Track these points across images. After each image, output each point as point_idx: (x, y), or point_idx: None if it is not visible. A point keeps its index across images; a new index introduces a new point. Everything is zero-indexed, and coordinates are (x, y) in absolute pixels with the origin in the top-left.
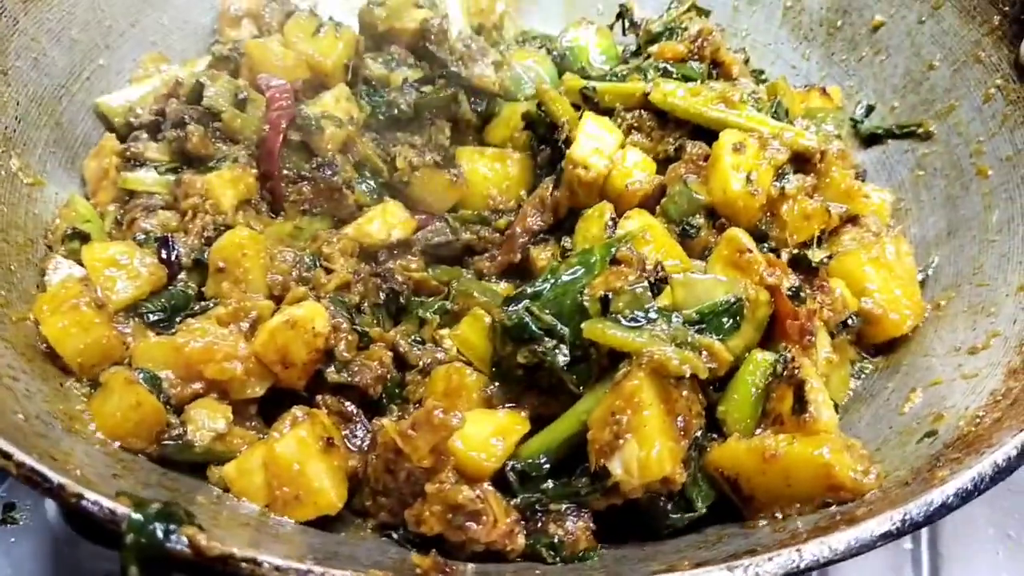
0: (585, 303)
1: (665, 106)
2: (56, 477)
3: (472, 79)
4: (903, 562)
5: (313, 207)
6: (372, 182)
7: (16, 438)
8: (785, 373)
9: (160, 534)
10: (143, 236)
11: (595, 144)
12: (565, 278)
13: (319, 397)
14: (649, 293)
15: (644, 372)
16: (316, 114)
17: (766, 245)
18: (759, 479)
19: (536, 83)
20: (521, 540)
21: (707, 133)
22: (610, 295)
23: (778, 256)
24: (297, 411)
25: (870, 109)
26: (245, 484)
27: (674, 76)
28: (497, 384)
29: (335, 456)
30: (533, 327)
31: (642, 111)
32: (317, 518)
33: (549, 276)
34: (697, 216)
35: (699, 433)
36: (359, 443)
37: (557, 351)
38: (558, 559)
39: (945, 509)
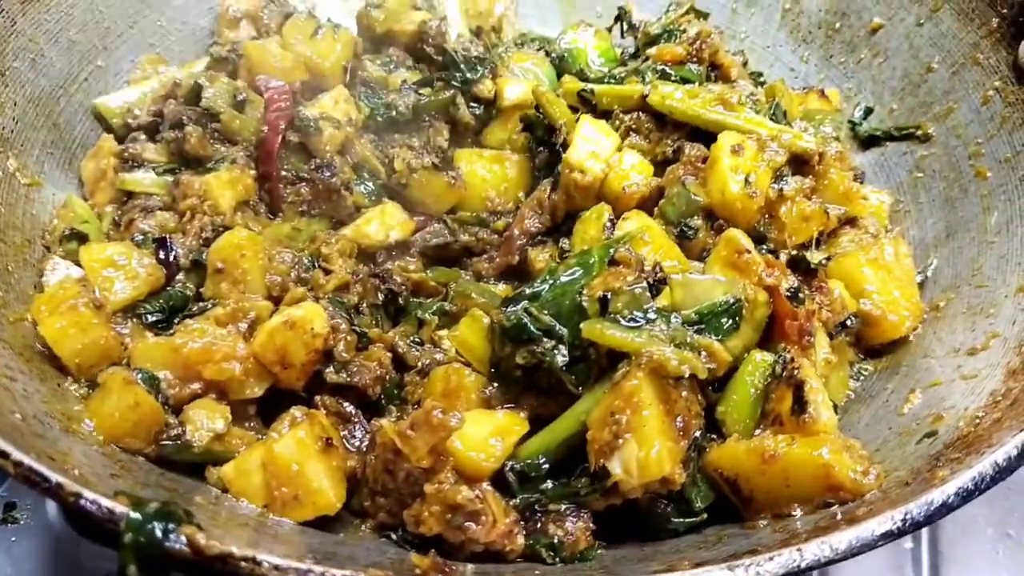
0: (584, 304)
1: (663, 108)
2: (54, 476)
3: (471, 87)
4: (903, 561)
5: (311, 208)
6: (370, 183)
7: (14, 438)
8: (784, 374)
9: (159, 533)
10: (141, 237)
11: (591, 148)
12: (564, 279)
13: (318, 398)
14: (648, 294)
15: (643, 372)
16: (315, 115)
17: (764, 247)
18: (758, 480)
19: (533, 85)
20: (520, 540)
21: (705, 135)
22: (609, 296)
23: (777, 258)
24: (296, 411)
25: (868, 111)
26: (244, 484)
27: (672, 78)
28: (496, 385)
29: (334, 456)
30: (531, 328)
31: (640, 113)
32: (316, 518)
33: (548, 277)
34: (695, 218)
35: (698, 433)
36: (358, 444)
37: (556, 351)
38: (557, 559)
39: (946, 508)
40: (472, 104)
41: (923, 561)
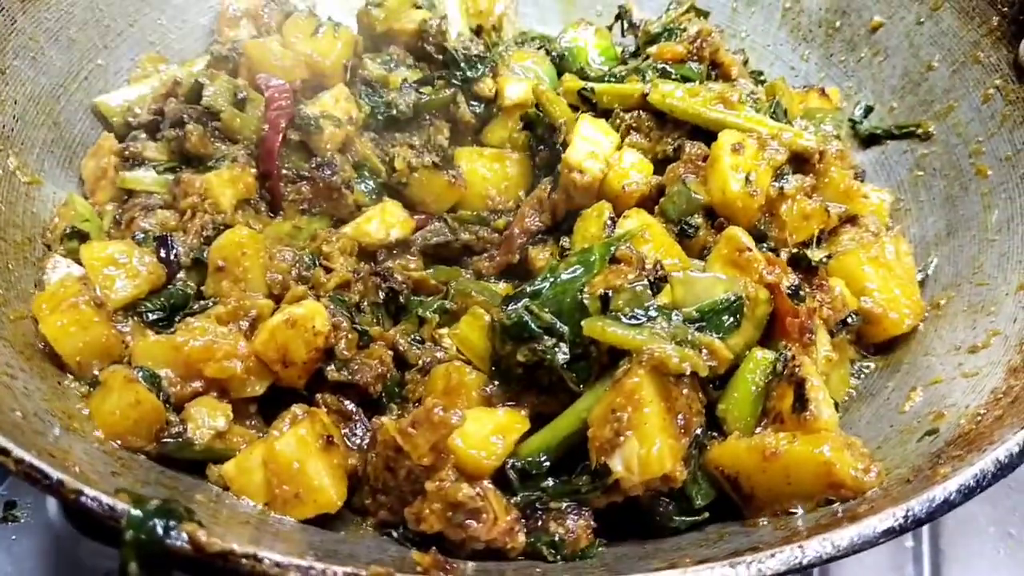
0: (585, 301)
1: (663, 107)
2: (55, 473)
3: (472, 86)
4: (904, 560)
5: (312, 207)
6: (371, 182)
7: (15, 435)
8: (785, 371)
9: (160, 530)
10: (142, 235)
11: (590, 148)
12: (564, 277)
13: (319, 396)
14: (649, 291)
15: (644, 370)
16: (315, 114)
17: (765, 245)
18: (759, 477)
19: (534, 84)
20: (521, 538)
21: (706, 133)
22: (610, 293)
23: (777, 256)
24: (297, 409)
25: (869, 110)
26: (245, 482)
27: (673, 77)
28: (497, 383)
29: (335, 454)
30: (532, 326)
31: (641, 112)
32: (317, 516)
33: (548, 275)
34: (696, 216)
35: (699, 431)
36: (359, 441)
37: (557, 349)
38: (559, 557)
39: (947, 505)
40: (472, 103)
41: (924, 559)
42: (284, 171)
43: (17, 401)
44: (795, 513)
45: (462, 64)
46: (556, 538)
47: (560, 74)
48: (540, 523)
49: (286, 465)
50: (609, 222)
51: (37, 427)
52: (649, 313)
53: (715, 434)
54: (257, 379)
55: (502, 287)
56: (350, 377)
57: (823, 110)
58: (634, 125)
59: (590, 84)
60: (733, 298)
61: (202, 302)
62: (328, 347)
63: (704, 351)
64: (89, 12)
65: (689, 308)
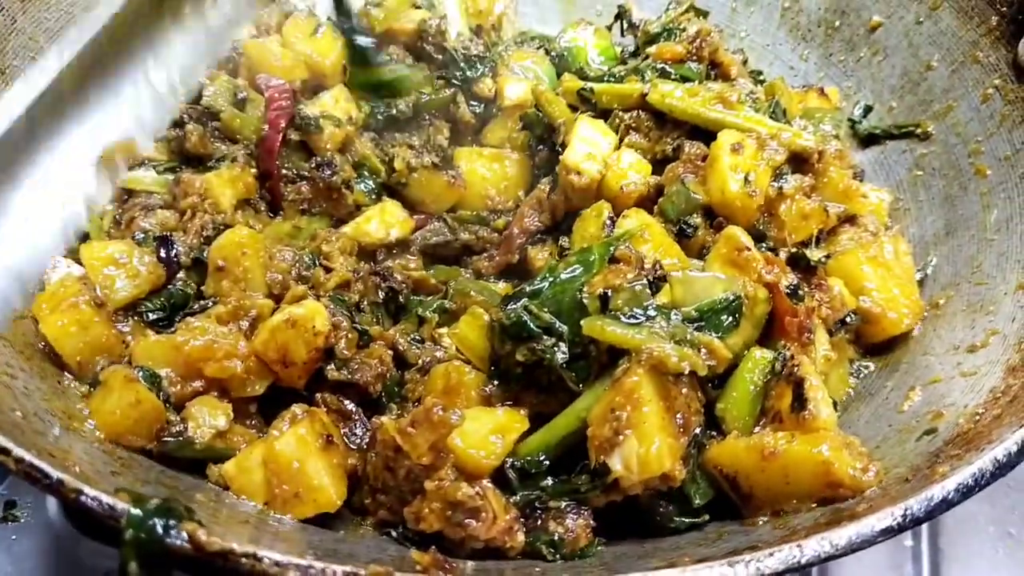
0: (584, 301)
1: (663, 107)
2: (55, 473)
3: (471, 86)
4: (903, 559)
5: (312, 207)
6: (371, 182)
7: (15, 435)
8: (784, 371)
9: (160, 530)
10: (142, 235)
11: (588, 149)
12: (564, 276)
13: (318, 395)
14: (648, 291)
15: (643, 369)
16: (315, 114)
17: (764, 245)
18: (758, 477)
19: (533, 85)
20: (520, 537)
21: (705, 133)
22: (609, 293)
23: (776, 255)
24: (296, 409)
25: (868, 109)
26: (244, 482)
27: (672, 77)
28: (496, 382)
29: (334, 454)
30: (531, 325)
31: (640, 111)
32: (316, 516)
33: (548, 275)
34: (695, 216)
35: (698, 430)
36: (358, 441)
37: (556, 349)
38: (558, 556)
39: (946, 504)
40: (472, 103)
41: (923, 558)
42: (284, 171)
43: (17, 401)
44: (794, 512)
45: (462, 64)
46: (555, 537)
47: (560, 74)
48: (539, 522)
49: (286, 464)
50: (608, 222)
51: (37, 427)
52: (648, 312)
53: (714, 433)
54: (257, 379)
55: (501, 287)
56: (350, 377)
57: (822, 110)
58: (633, 125)
59: (589, 84)
60: (732, 297)
61: (202, 302)
62: (328, 347)
63: (703, 350)
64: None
65: (688, 307)
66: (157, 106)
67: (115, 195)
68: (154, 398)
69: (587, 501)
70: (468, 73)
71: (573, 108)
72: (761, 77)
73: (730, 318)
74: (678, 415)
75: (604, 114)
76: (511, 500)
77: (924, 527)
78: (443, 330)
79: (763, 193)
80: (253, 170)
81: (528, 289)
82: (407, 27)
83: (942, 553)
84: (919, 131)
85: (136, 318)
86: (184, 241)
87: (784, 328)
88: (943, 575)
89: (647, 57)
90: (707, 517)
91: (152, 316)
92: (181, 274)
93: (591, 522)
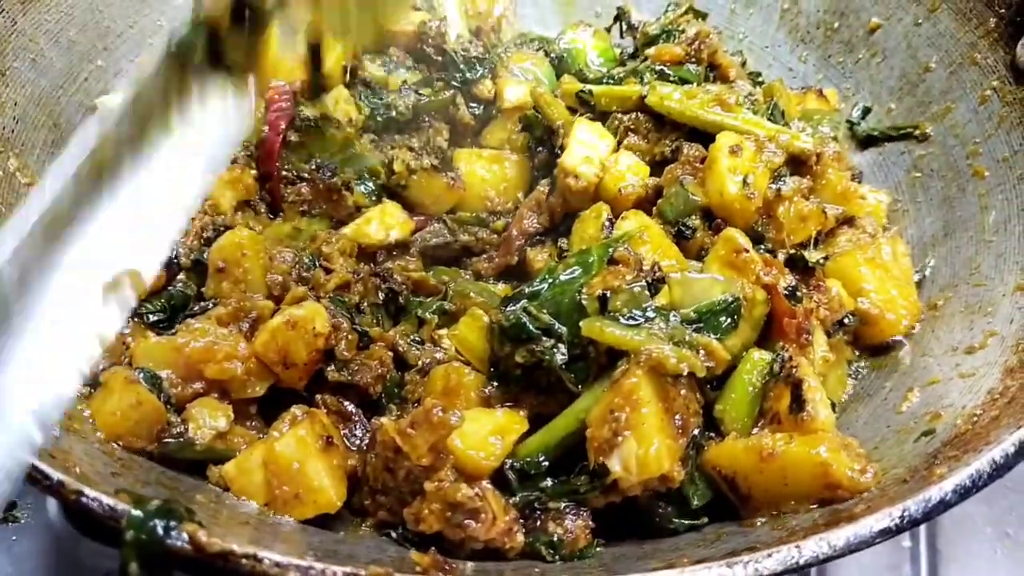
0: (583, 302)
1: (661, 109)
2: (55, 474)
3: (471, 87)
4: (902, 560)
5: (312, 208)
6: (370, 183)
7: None
8: (782, 372)
9: (160, 530)
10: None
11: (586, 152)
12: (563, 278)
13: (318, 396)
14: (647, 292)
15: (642, 370)
16: (315, 115)
17: (762, 247)
18: (756, 478)
19: (531, 87)
20: (520, 538)
21: (704, 135)
22: (608, 294)
23: (775, 257)
24: (296, 410)
25: (867, 111)
26: (245, 483)
27: (671, 79)
28: (495, 383)
29: (334, 455)
30: (530, 327)
31: (639, 113)
32: (316, 517)
33: (547, 276)
34: (693, 217)
35: (697, 431)
36: (358, 442)
37: (555, 350)
38: (557, 557)
39: (943, 506)
40: (472, 104)
41: (921, 559)
42: (284, 172)
43: None
44: (792, 513)
45: (461, 66)
46: (555, 538)
47: (559, 75)
48: (539, 523)
49: (286, 466)
50: (607, 223)
51: None
52: (647, 314)
53: (712, 434)
54: (257, 380)
55: (501, 288)
56: (350, 378)
57: (821, 111)
58: (632, 127)
59: (588, 86)
60: (730, 299)
61: (202, 303)
62: (328, 348)
63: (702, 352)
64: (89, 14)
65: (687, 309)
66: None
67: None
68: (155, 399)
69: (586, 502)
70: (467, 75)
71: (572, 110)
72: (760, 79)
73: (728, 319)
74: (677, 416)
75: (603, 116)
76: (510, 501)
77: (922, 528)
78: (443, 331)
79: (761, 195)
80: (253, 171)
81: (527, 290)
82: (407, 29)
83: (940, 554)
84: (917, 133)
85: (136, 319)
86: (184, 243)
87: (782, 329)
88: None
89: (646, 59)
90: (706, 520)
91: (152, 317)
92: (181, 275)
93: (590, 523)
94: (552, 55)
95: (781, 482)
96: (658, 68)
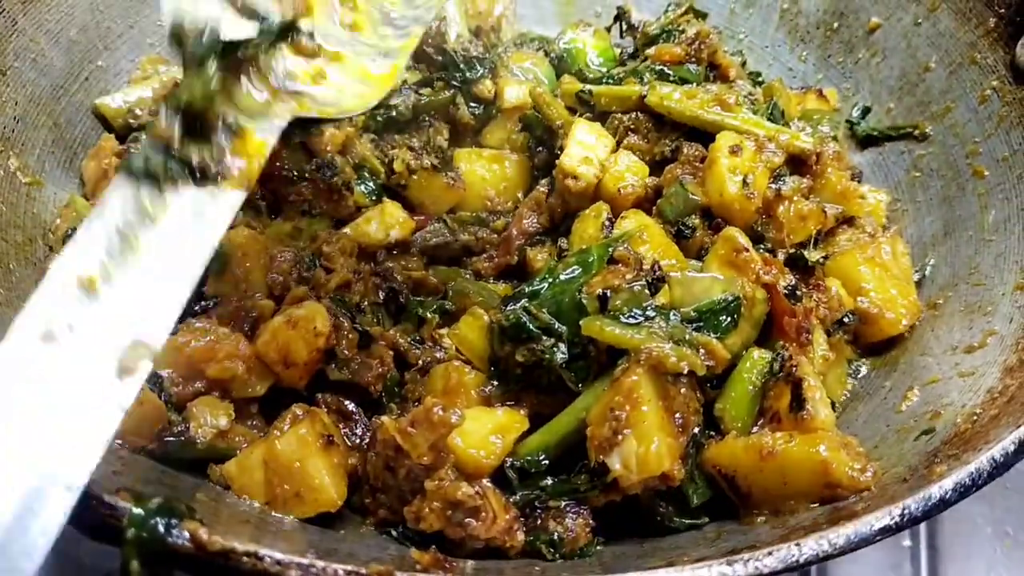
0: (583, 301)
1: (661, 109)
2: None
3: (471, 87)
4: (902, 559)
5: (313, 208)
6: (371, 183)
7: None
8: (782, 371)
9: (161, 528)
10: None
11: (585, 152)
12: (563, 277)
13: (319, 395)
14: (647, 291)
15: (643, 369)
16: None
17: (762, 246)
18: (756, 476)
19: (531, 87)
20: (520, 537)
21: (704, 135)
22: (608, 293)
23: (774, 257)
24: (297, 409)
25: (866, 111)
26: (245, 481)
27: (671, 78)
28: (495, 382)
29: (335, 454)
30: (530, 326)
31: (639, 113)
32: (317, 515)
33: (547, 275)
34: (693, 217)
35: (697, 430)
36: (358, 441)
37: (555, 349)
38: (557, 556)
39: (943, 504)
40: (472, 104)
41: (921, 559)
42: (284, 172)
43: None
44: (792, 512)
45: (461, 65)
46: (555, 537)
47: (559, 75)
48: (539, 522)
49: (287, 464)
50: (607, 223)
51: None
52: (647, 313)
53: (712, 433)
54: (258, 379)
55: (501, 288)
56: (351, 377)
57: (820, 111)
58: (632, 126)
59: (588, 86)
60: (730, 298)
61: (203, 303)
62: (329, 347)
63: (702, 351)
64: (90, 14)
65: (687, 308)
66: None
67: None
68: (156, 398)
69: (586, 501)
70: (468, 75)
71: (572, 110)
72: (760, 79)
73: (728, 318)
74: (677, 415)
75: (603, 116)
76: (511, 500)
77: (922, 527)
78: (443, 331)
79: (761, 195)
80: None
81: (527, 290)
82: None
83: (940, 553)
84: (917, 132)
85: None
86: None
87: (782, 328)
88: (941, 575)
89: (646, 59)
90: (706, 519)
91: None
92: None
93: (590, 522)
94: (552, 55)
95: (781, 481)
96: (658, 68)
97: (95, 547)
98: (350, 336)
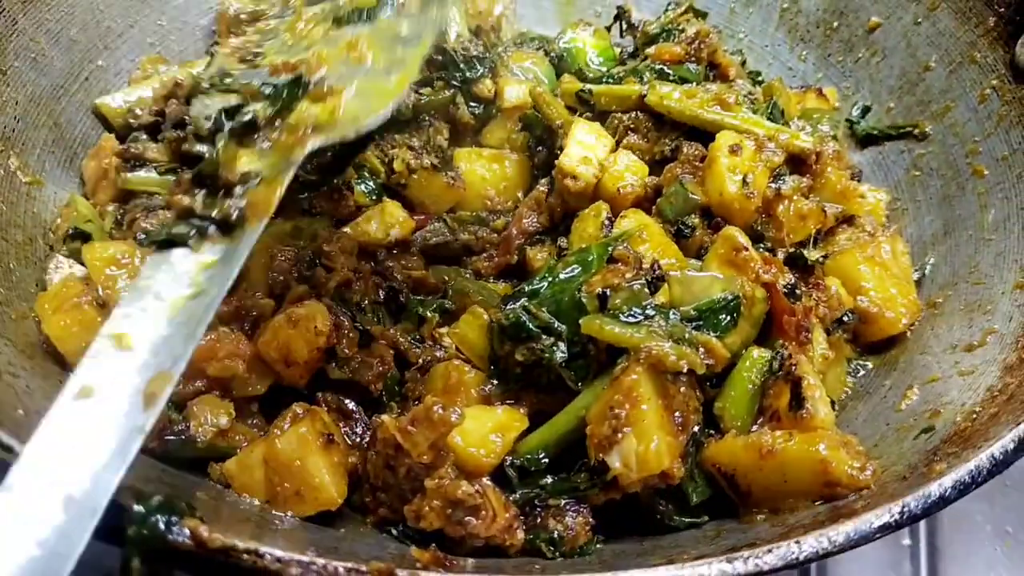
0: (583, 300)
1: (661, 108)
2: None
3: (471, 86)
4: (901, 558)
5: (313, 207)
6: (371, 183)
7: (18, 433)
8: (782, 370)
9: (162, 526)
10: (144, 236)
11: (584, 153)
12: (563, 276)
13: (319, 394)
14: (646, 290)
15: (642, 367)
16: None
17: (762, 245)
18: (756, 475)
19: (531, 86)
20: (520, 535)
21: (703, 134)
22: (608, 292)
23: (774, 256)
24: (297, 408)
25: (866, 110)
26: (246, 480)
27: (671, 78)
28: (495, 381)
29: (335, 452)
30: (530, 325)
31: (638, 112)
32: (317, 514)
33: (547, 275)
34: (692, 216)
35: (696, 429)
36: (359, 440)
37: (555, 348)
38: (557, 554)
39: (943, 502)
40: (472, 103)
41: (921, 557)
42: None
43: (19, 399)
44: (792, 510)
45: (461, 65)
46: (555, 535)
47: (559, 75)
48: (539, 520)
49: (287, 463)
50: (606, 222)
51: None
52: (647, 312)
53: (712, 432)
54: (259, 378)
55: (501, 287)
56: (351, 376)
57: (820, 110)
58: (632, 126)
59: (588, 86)
60: (730, 297)
61: None
62: (329, 346)
63: (701, 349)
64: (90, 13)
65: (687, 307)
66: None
67: (116, 196)
68: None
69: (586, 499)
70: (468, 74)
71: (572, 109)
72: (760, 78)
73: (728, 317)
74: (676, 413)
75: (603, 115)
76: (511, 498)
77: (921, 525)
78: (443, 330)
79: (761, 194)
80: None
81: (527, 289)
82: None
83: (939, 551)
84: (917, 131)
85: None
86: None
87: (782, 327)
88: (940, 574)
89: (646, 58)
90: (706, 518)
91: None
92: None
93: (590, 520)
94: (552, 54)
95: (780, 479)
96: (658, 67)
97: (95, 545)
98: (350, 335)
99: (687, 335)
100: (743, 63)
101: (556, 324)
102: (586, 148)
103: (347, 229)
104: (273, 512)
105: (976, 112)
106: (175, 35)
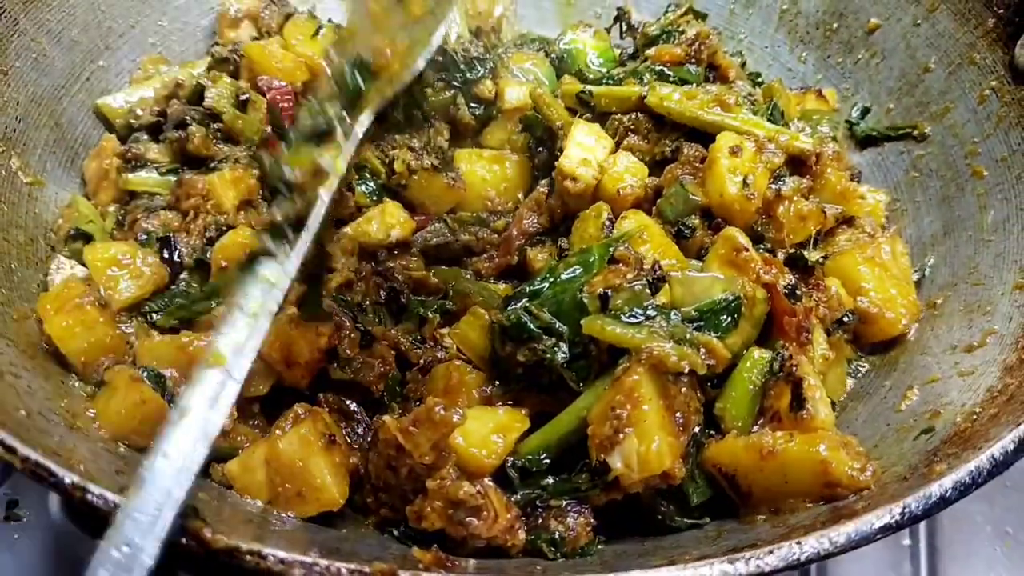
0: (584, 301)
1: (661, 110)
2: (61, 471)
3: (471, 87)
4: (901, 558)
5: None
6: (371, 183)
7: (19, 433)
8: (782, 370)
9: None
10: (145, 236)
11: (583, 154)
12: (564, 277)
13: (321, 395)
14: (648, 291)
15: (643, 368)
16: None
17: (762, 246)
18: (756, 476)
19: (531, 88)
20: (522, 536)
21: (704, 135)
22: (609, 292)
23: (774, 256)
24: (299, 408)
25: (866, 111)
26: (248, 481)
27: (671, 79)
28: (497, 382)
29: (337, 453)
30: (531, 326)
31: (638, 114)
32: (319, 515)
33: (548, 275)
34: (693, 217)
35: (697, 429)
36: (360, 440)
37: (556, 349)
38: (559, 554)
39: (943, 502)
40: (472, 104)
41: (921, 558)
42: None
43: (21, 400)
44: (792, 511)
45: (462, 66)
46: (556, 535)
47: (559, 76)
48: (540, 521)
49: (288, 464)
50: (607, 223)
51: (41, 425)
52: (648, 312)
53: (713, 432)
54: (260, 379)
55: (501, 288)
56: (353, 376)
57: (820, 111)
58: (632, 127)
59: (588, 87)
60: (731, 298)
61: (205, 302)
62: (331, 347)
63: (702, 350)
64: (91, 14)
65: (687, 307)
66: None
67: (117, 196)
68: (159, 398)
69: (588, 499)
70: (468, 75)
71: (572, 111)
72: (759, 79)
73: (729, 318)
74: (678, 414)
75: (603, 116)
76: (512, 499)
77: (922, 526)
78: (444, 330)
79: (761, 195)
80: (255, 171)
81: (528, 290)
82: None
83: (940, 552)
84: (916, 132)
85: (139, 318)
86: (187, 242)
87: (782, 328)
88: (940, 574)
89: (646, 59)
90: (707, 519)
91: (156, 316)
92: (184, 274)
93: (592, 520)
94: (552, 55)
95: (781, 480)
96: (658, 69)
97: (97, 546)
98: (352, 336)
99: (688, 336)
100: (743, 64)
101: (557, 325)
102: (586, 150)
103: (348, 229)
104: (275, 513)
105: (975, 113)
106: (176, 35)
